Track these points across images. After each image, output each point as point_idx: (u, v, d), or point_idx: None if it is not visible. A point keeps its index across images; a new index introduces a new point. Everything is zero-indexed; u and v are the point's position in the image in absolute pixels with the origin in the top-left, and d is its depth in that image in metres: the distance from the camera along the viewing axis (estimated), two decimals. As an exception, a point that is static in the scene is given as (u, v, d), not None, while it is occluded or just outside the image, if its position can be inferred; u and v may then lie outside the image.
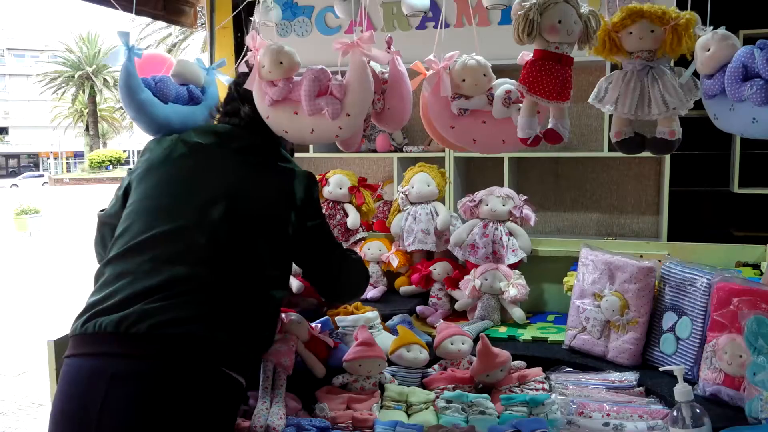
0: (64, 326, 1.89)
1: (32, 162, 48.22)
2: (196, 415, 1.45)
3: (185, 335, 1.45)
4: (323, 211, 1.88)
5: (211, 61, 3.14)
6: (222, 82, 2.10)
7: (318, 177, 2.85)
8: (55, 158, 48.27)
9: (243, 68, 1.96)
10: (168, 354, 1.44)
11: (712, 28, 1.58)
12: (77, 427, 1.42)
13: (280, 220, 1.70)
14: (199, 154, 1.77)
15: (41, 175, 41.35)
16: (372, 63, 1.87)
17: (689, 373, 1.83)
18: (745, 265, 2.42)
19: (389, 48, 1.91)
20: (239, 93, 1.87)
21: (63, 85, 40.63)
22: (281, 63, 1.80)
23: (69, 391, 1.45)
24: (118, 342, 1.44)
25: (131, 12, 2.25)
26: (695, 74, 1.64)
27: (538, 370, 1.99)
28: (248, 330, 1.58)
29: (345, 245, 2.84)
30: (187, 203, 1.66)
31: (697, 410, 1.49)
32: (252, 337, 1.61)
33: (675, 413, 1.50)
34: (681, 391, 1.51)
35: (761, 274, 2.24)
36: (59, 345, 1.80)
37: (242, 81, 1.86)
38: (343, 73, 1.81)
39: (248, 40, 1.81)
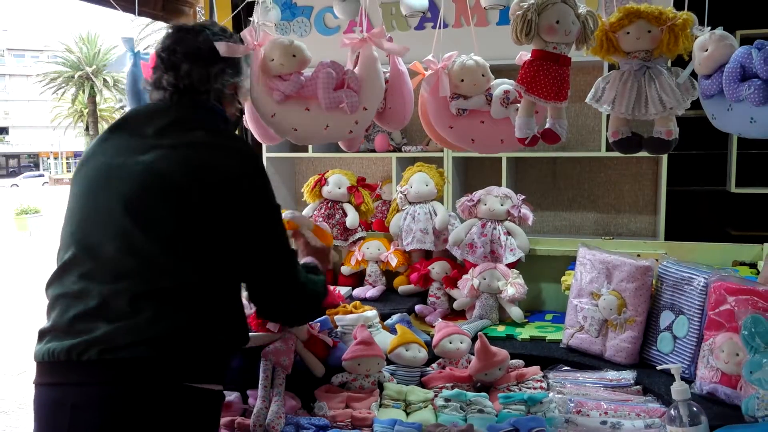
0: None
1: (32, 162, 48.25)
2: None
3: (135, 359, 1.36)
4: (276, 205, 1.57)
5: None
6: None
7: (317, 177, 2.87)
8: (55, 158, 48.30)
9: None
10: (123, 379, 1.37)
11: (709, 28, 1.59)
12: None
13: (203, 214, 1.45)
14: (110, 151, 1.56)
15: (41, 175, 41.41)
16: None
17: (686, 371, 1.84)
18: (742, 264, 2.44)
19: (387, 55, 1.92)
20: (161, 58, 1.61)
21: (63, 85, 40.67)
22: (294, 56, 1.80)
23: (39, 421, 1.44)
24: (72, 370, 1.39)
25: (131, 12, 2.26)
26: (693, 74, 1.65)
27: (536, 368, 2.00)
28: (198, 338, 1.44)
29: (344, 244, 2.85)
30: (99, 214, 1.49)
31: (694, 408, 1.50)
32: (205, 344, 1.45)
33: (672, 411, 1.51)
34: (678, 389, 1.52)
35: (758, 273, 2.26)
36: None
37: (169, 43, 1.62)
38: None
39: (245, 35, 1.75)
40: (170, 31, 1.65)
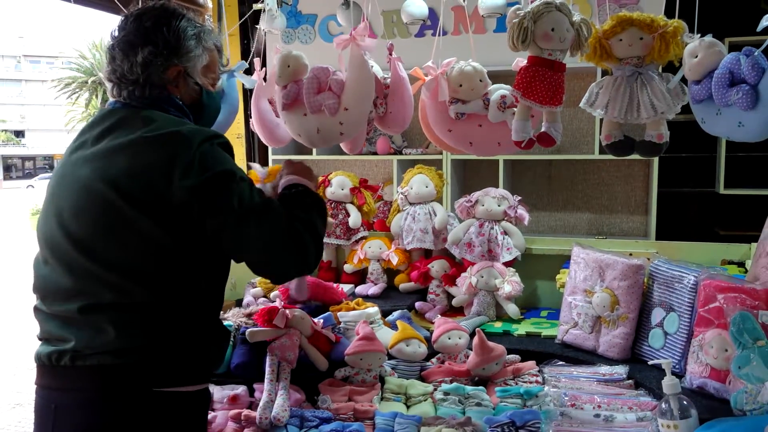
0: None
1: (47, 164, 48.02)
2: None
3: (102, 366, 1.35)
4: (226, 171, 1.41)
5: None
6: (243, 85, 2.12)
7: (321, 178, 2.88)
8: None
9: (255, 84, 1.93)
10: (95, 385, 1.37)
11: (699, 35, 1.60)
12: None
13: (152, 209, 1.37)
14: (68, 157, 1.51)
15: None
16: (375, 68, 1.90)
17: (677, 366, 1.86)
18: (731, 263, 2.46)
19: (391, 54, 1.93)
20: (107, 53, 1.54)
21: (77, 90, 40.56)
22: (288, 66, 1.83)
23: (34, 421, 1.47)
24: (52, 375, 1.42)
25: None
26: (683, 80, 1.66)
27: (531, 363, 2.03)
28: (160, 346, 1.39)
29: (347, 243, 2.88)
30: (50, 225, 1.46)
31: (685, 402, 1.52)
32: (170, 351, 1.40)
33: (663, 405, 1.54)
34: (669, 383, 1.54)
35: (746, 271, 2.27)
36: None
37: (115, 33, 1.53)
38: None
39: (272, 49, 1.80)
40: (122, 19, 1.54)
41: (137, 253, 1.38)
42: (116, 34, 1.52)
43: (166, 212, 1.37)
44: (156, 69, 1.49)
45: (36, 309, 1.49)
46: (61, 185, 1.47)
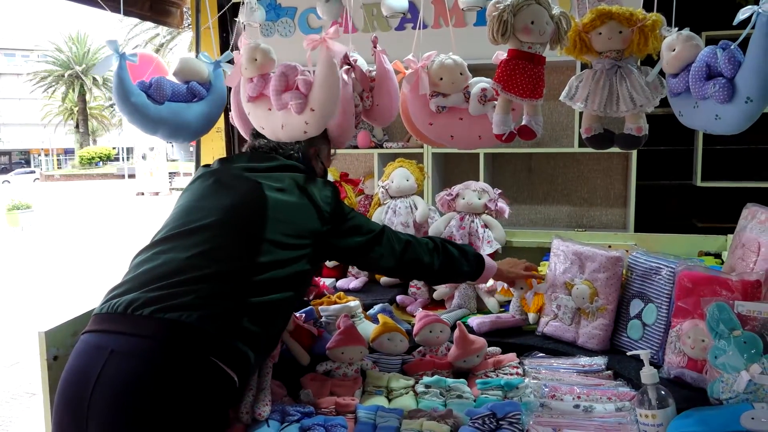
0: (55, 318, 1.92)
1: (23, 159, 47.57)
2: (182, 397, 1.47)
3: (179, 322, 1.50)
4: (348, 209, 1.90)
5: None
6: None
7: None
8: (46, 155, 47.59)
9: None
10: (164, 337, 1.49)
11: (677, 29, 1.61)
12: (74, 396, 1.48)
13: (299, 228, 1.76)
14: (224, 173, 1.89)
15: (32, 172, 40.73)
16: (360, 61, 1.88)
17: (655, 357, 1.88)
18: (707, 254, 2.50)
19: (375, 47, 1.92)
20: (253, 134, 2.00)
21: (53, 83, 40.24)
22: (255, 60, 1.81)
23: (74, 363, 1.53)
24: (122, 321, 1.52)
25: (119, 12, 2.25)
26: (661, 73, 1.67)
27: (512, 355, 2.03)
28: (240, 325, 1.59)
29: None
30: (207, 209, 1.75)
31: (662, 392, 1.54)
32: (243, 333, 1.59)
33: (641, 395, 1.56)
34: (647, 374, 1.56)
35: (722, 262, 2.31)
36: (50, 336, 1.82)
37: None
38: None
39: (240, 42, 1.82)
40: None
41: (281, 240, 1.72)
42: None
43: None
44: (303, 147, 2.01)
45: (140, 263, 1.67)
46: (227, 183, 1.84)
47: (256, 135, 1.98)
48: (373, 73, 1.96)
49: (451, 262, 2.00)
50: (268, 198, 1.77)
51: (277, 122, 1.83)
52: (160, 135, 1.97)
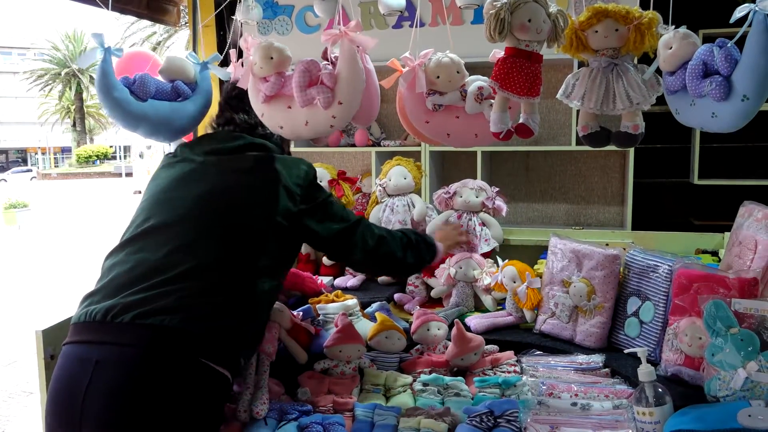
0: (52, 316, 1.92)
1: (20, 157, 47.56)
2: (174, 402, 1.47)
3: (162, 327, 1.47)
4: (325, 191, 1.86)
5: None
6: (217, 77, 2.12)
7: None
8: (43, 154, 47.57)
9: (230, 77, 1.96)
10: (148, 343, 1.47)
11: (673, 27, 1.61)
12: (65, 410, 1.47)
13: (268, 210, 1.70)
14: (188, 160, 1.83)
15: (29, 170, 40.80)
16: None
17: (652, 354, 1.88)
18: (704, 252, 2.50)
19: (357, 46, 1.92)
20: (231, 105, 1.93)
21: (50, 82, 40.23)
22: (271, 58, 1.81)
23: (61, 376, 1.51)
24: (104, 330, 1.49)
25: (115, 10, 2.24)
26: (658, 71, 1.67)
27: (510, 353, 2.04)
28: (227, 322, 1.57)
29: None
30: (174, 202, 1.71)
31: (660, 390, 1.55)
32: (232, 329, 1.58)
33: (639, 393, 1.56)
34: (644, 371, 1.57)
35: (719, 260, 2.32)
36: (48, 335, 1.82)
37: (233, 94, 1.93)
38: (335, 64, 1.81)
39: (242, 42, 1.82)
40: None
41: (256, 228, 1.70)
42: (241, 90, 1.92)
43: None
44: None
45: (113, 266, 1.63)
46: (194, 172, 1.79)
47: (220, 115, 1.97)
48: None
49: (420, 256, 2.00)
50: (236, 183, 1.73)
51: (299, 119, 1.82)
52: (141, 132, 1.97)
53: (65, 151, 47.90)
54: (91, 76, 38.94)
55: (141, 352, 1.46)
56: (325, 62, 1.84)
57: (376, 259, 1.89)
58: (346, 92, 1.78)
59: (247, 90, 1.87)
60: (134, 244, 1.66)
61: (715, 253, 2.48)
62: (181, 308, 1.51)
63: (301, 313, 2.12)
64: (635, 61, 1.73)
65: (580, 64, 1.79)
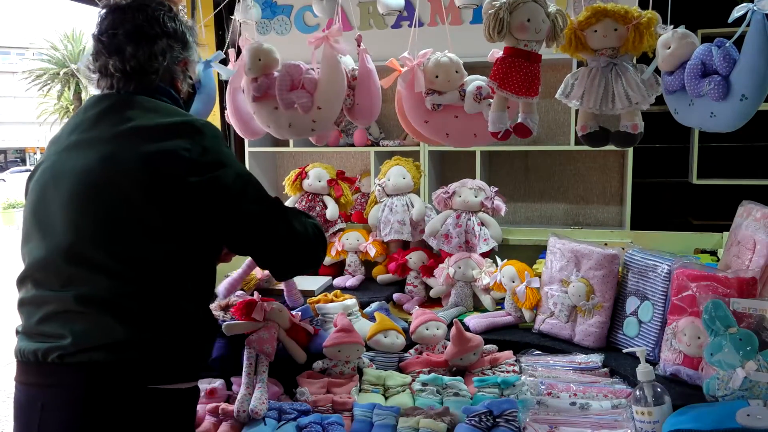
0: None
1: (19, 157, 47.45)
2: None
3: (102, 363, 1.32)
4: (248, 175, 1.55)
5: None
6: (220, 75, 2.11)
7: (298, 170, 2.87)
8: (42, 153, 47.63)
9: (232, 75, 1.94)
10: (85, 383, 1.33)
11: (672, 26, 1.62)
12: None
13: (156, 200, 1.36)
14: (56, 154, 1.49)
15: (28, 170, 40.63)
16: (347, 60, 1.88)
17: (651, 354, 1.88)
18: (703, 251, 2.49)
19: (359, 45, 1.92)
20: (102, 42, 1.48)
21: (48, 81, 40.19)
22: (259, 60, 1.82)
23: (16, 419, 1.43)
24: (39, 372, 1.38)
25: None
26: (656, 71, 1.68)
27: (509, 353, 2.04)
28: (166, 339, 1.38)
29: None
30: (47, 219, 1.44)
31: (658, 389, 1.56)
32: (173, 344, 1.39)
33: (637, 392, 1.57)
34: (643, 371, 1.57)
35: (718, 260, 2.31)
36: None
37: (108, 25, 1.49)
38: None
39: (241, 42, 1.82)
40: (105, 11, 1.50)
41: (142, 245, 1.37)
42: (113, 26, 1.47)
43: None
44: (172, 60, 1.51)
45: (22, 302, 1.46)
46: (58, 172, 1.44)
47: (101, 78, 1.54)
48: (356, 71, 1.95)
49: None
50: (109, 169, 1.37)
51: (283, 121, 1.83)
52: None
53: (65, 151, 48.02)
54: (89, 76, 39.11)
55: (82, 393, 1.32)
56: (309, 66, 1.83)
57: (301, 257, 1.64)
58: (325, 98, 1.78)
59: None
60: (34, 274, 1.48)
61: (713, 253, 2.47)
62: (113, 341, 1.33)
63: (299, 313, 2.12)
64: (634, 60, 1.73)
65: (579, 64, 1.80)
